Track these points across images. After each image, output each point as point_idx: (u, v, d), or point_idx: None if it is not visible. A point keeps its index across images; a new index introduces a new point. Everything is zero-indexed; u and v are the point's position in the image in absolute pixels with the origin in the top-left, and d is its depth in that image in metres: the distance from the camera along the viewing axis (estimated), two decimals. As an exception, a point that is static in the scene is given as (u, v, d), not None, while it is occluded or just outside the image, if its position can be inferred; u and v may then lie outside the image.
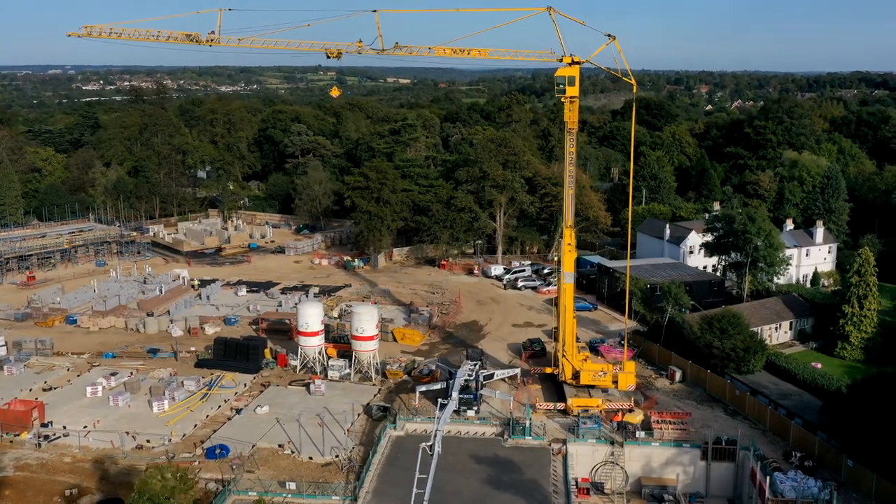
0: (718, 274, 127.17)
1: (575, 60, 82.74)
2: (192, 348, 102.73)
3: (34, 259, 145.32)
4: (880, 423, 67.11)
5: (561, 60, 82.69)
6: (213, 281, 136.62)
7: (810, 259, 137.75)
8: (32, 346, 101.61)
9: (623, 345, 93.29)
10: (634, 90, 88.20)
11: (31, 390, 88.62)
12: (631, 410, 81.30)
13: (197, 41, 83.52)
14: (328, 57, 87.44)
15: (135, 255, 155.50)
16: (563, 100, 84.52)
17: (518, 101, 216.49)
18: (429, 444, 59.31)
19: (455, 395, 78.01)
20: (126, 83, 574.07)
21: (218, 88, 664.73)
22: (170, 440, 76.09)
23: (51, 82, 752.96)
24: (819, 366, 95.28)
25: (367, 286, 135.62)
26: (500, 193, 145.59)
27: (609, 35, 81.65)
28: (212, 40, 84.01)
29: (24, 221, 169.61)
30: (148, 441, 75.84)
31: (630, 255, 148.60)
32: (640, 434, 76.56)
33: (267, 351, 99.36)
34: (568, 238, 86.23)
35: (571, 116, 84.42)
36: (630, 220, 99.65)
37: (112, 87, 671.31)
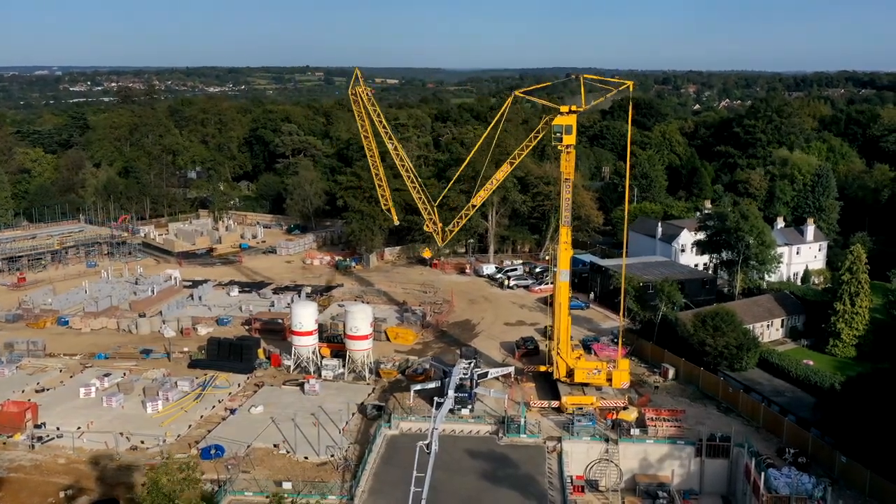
0: (710, 272, 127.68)
1: (572, 110, 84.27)
2: (185, 349, 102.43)
3: (24, 260, 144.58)
4: (874, 420, 67.54)
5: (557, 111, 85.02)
6: (205, 281, 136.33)
7: (801, 257, 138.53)
8: (24, 347, 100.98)
9: (616, 343, 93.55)
10: (631, 88, 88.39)
11: (23, 391, 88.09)
12: (625, 408, 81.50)
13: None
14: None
15: (126, 255, 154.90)
16: (559, 148, 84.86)
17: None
18: (426, 442, 59.35)
19: (451, 392, 78.04)
20: (113, 84, 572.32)
21: (206, 89, 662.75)
22: (164, 441, 75.75)
23: (37, 83, 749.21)
24: (811, 363, 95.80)
25: (359, 286, 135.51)
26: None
27: (574, 76, 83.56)
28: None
29: (14, 223, 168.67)
30: (142, 442, 75.48)
31: (622, 253, 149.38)
32: (635, 431, 76.76)
33: (260, 351, 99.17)
34: (564, 236, 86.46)
35: (568, 166, 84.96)
36: (626, 218, 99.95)
37: (99, 88, 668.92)
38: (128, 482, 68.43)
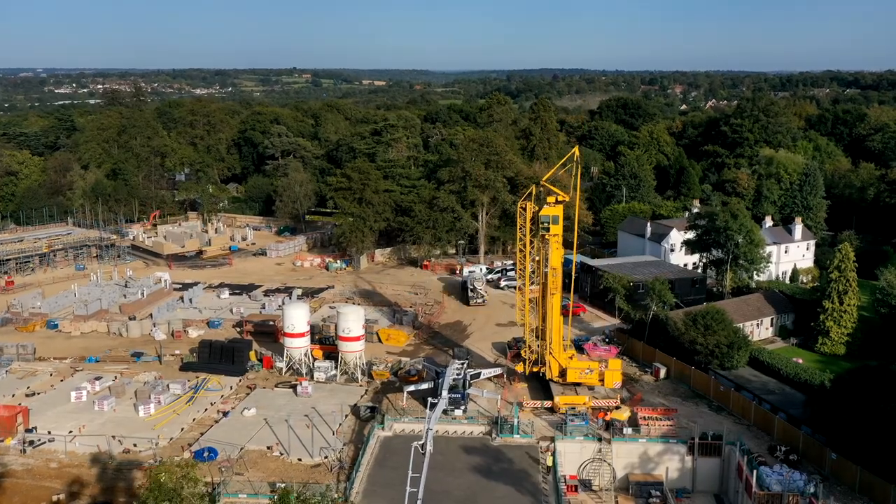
0: (699, 271, 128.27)
1: (559, 199, 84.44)
2: (177, 351, 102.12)
3: (12, 263, 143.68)
4: (863, 417, 68.10)
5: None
6: (196, 284, 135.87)
7: (789, 256, 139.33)
8: (14, 351, 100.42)
9: (608, 342, 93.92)
10: (577, 154, 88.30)
11: (13, 396, 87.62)
12: (618, 407, 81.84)
13: None
14: None
15: (115, 258, 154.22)
16: (547, 237, 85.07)
17: (499, 100, 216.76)
18: (421, 442, 59.51)
19: (445, 393, 78.21)
20: (99, 86, 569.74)
21: (192, 91, 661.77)
22: (157, 444, 75.52)
23: (22, 85, 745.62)
24: (800, 361, 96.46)
25: (350, 287, 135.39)
26: (482, 193, 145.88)
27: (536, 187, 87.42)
28: None
29: (2, 226, 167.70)
30: (135, 445, 75.22)
31: (612, 253, 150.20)
32: (628, 431, 77.14)
33: (252, 353, 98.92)
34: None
35: (553, 256, 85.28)
36: (576, 230, 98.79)
37: (85, 90, 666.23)
38: (122, 486, 68.27)
